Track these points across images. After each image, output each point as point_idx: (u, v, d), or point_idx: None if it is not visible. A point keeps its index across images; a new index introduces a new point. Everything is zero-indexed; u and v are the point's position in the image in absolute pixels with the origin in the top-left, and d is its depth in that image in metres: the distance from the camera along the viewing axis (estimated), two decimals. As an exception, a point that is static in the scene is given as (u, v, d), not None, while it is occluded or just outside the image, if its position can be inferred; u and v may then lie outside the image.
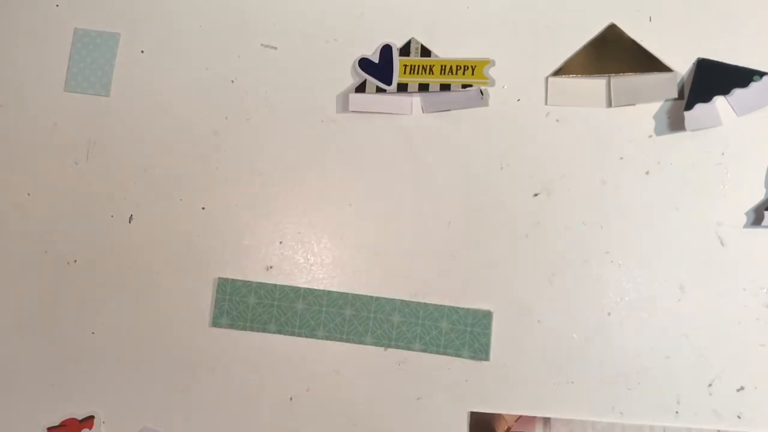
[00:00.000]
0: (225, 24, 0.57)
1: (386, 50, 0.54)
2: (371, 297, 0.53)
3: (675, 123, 0.51)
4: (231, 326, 0.54)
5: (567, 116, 0.52)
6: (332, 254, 0.54)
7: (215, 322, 0.54)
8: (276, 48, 0.56)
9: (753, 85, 0.49)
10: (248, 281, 0.54)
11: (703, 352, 0.49)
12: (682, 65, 0.51)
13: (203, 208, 0.56)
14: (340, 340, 0.53)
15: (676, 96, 0.50)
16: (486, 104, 0.53)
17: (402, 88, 0.54)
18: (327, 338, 0.53)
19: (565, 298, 0.51)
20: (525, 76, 0.53)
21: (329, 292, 0.53)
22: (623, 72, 0.51)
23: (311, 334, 0.53)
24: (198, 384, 0.54)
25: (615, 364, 0.50)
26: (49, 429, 0.54)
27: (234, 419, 0.53)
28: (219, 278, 0.54)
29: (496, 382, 0.51)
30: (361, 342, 0.53)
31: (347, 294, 0.53)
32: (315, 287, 0.54)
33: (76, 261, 0.56)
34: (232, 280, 0.54)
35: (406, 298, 0.52)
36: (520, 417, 0.51)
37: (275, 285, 0.54)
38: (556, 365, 0.50)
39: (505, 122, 0.53)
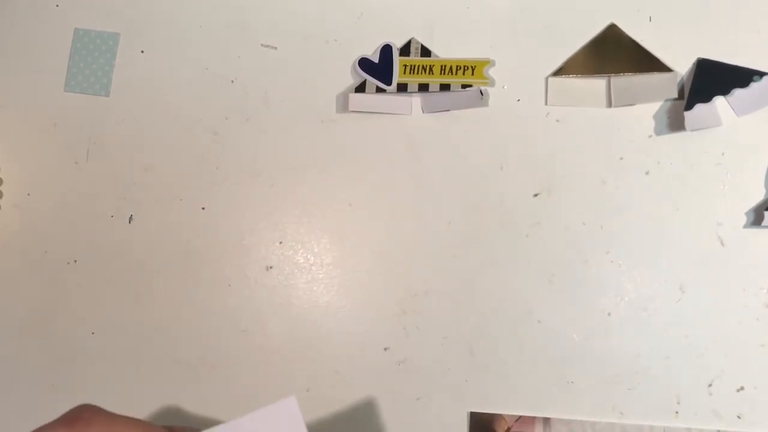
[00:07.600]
0: (225, 24, 0.57)
1: (386, 50, 0.54)
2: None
3: (675, 123, 0.51)
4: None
5: (567, 116, 0.52)
6: (332, 254, 0.54)
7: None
8: (276, 48, 0.56)
9: (753, 85, 0.49)
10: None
11: (703, 352, 0.49)
12: (682, 65, 0.51)
13: (203, 208, 0.56)
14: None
15: (676, 96, 0.50)
16: (486, 104, 0.53)
17: (402, 88, 0.54)
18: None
19: (565, 298, 0.51)
20: (525, 76, 0.53)
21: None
22: (623, 72, 0.51)
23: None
24: (198, 384, 0.54)
25: (615, 364, 0.50)
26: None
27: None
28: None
29: (496, 382, 0.51)
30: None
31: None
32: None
33: (76, 261, 0.56)
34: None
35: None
36: (520, 417, 0.51)
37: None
38: (556, 365, 0.50)
39: (505, 122, 0.53)
